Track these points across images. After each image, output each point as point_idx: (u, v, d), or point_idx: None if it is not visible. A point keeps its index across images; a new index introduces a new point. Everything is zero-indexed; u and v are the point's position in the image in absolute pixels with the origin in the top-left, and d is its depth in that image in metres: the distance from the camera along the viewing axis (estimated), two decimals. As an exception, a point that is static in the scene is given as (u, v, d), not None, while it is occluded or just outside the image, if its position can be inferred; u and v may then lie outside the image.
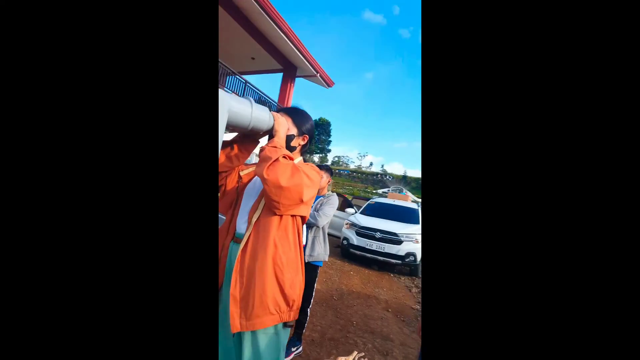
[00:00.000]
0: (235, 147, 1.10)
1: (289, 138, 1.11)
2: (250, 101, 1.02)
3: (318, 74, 7.86)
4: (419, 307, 3.70)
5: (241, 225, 1.10)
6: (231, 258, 1.09)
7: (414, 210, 6.02)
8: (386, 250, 5.06)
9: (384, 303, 3.63)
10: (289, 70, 7.76)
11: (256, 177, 1.19)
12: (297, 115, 1.18)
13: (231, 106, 0.94)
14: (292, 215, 1.08)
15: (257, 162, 1.27)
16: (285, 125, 1.13)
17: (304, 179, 1.00)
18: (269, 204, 1.00)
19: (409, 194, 8.94)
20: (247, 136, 1.17)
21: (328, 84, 8.36)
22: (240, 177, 1.19)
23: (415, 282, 4.87)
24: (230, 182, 1.21)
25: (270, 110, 1.08)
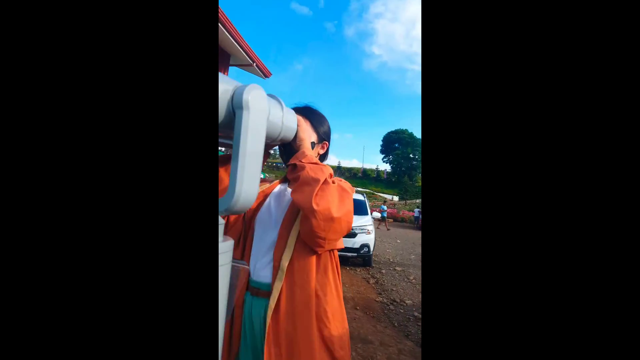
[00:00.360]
0: None
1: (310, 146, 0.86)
2: (280, 102, 0.74)
3: (254, 64, 7.33)
4: (380, 299, 3.77)
5: (261, 271, 0.82)
6: (252, 319, 0.81)
7: (362, 202, 6.13)
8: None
9: (351, 301, 3.58)
10: (222, 58, 7.06)
11: (269, 200, 0.91)
12: (314, 117, 0.93)
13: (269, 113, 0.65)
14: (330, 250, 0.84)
15: (271, 180, 0.99)
16: (309, 132, 0.87)
17: (351, 202, 0.77)
18: (309, 241, 0.75)
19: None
20: None
21: (265, 74, 7.88)
22: None
23: (370, 273, 4.98)
24: None
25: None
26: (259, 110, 0.59)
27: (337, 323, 0.80)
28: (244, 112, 0.57)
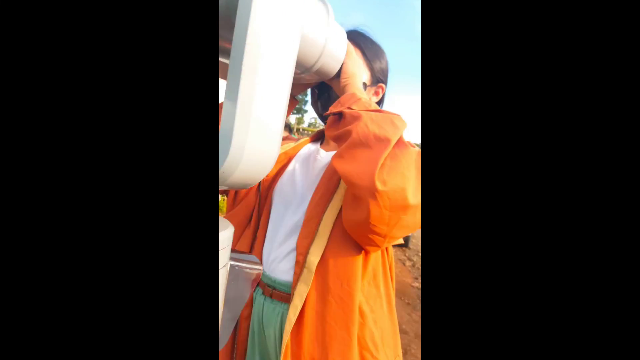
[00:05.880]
0: None
1: None
2: (326, 5, 0.44)
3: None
4: (417, 284, 3.51)
5: (278, 263, 0.57)
6: (263, 327, 0.57)
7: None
8: (378, 222, 4.77)
9: (385, 284, 3.36)
10: None
11: (293, 164, 0.64)
12: (368, 45, 0.62)
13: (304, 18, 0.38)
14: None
15: (298, 139, 0.71)
16: (360, 66, 0.58)
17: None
18: (358, 236, 0.49)
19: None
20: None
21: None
22: None
23: (407, 254, 4.69)
24: None
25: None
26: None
27: (388, 351, 0.54)
28: None
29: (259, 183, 0.63)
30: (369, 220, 0.43)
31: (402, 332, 2.37)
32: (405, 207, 0.42)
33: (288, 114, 0.63)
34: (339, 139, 0.48)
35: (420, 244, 5.59)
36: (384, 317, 0.55)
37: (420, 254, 4.80)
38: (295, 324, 0.50)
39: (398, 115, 0.48)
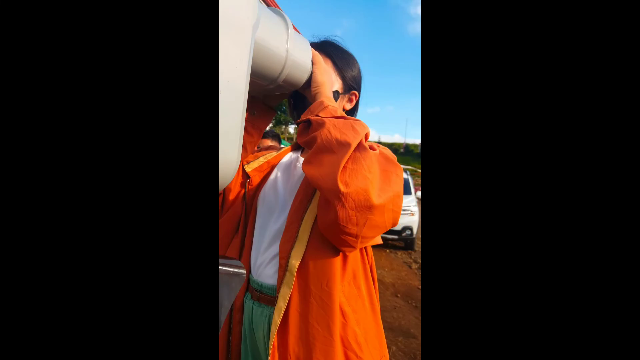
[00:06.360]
0: None
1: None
2: (285, 19, 0.46)
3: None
4: (425, 286, 3.47)
5: (264, 268, 0.59)
6: (253, 330, 0.59)
7: (405, 180, 5.69)
8: (382, 226, 4.73)
9: (391, 288, 3.33)
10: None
11: (275, 172, 0.65)
12: (339, 54, 0.63)
13: (260, 32, 0.39)
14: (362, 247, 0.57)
15: (277, 147, 0.73)
16: (330, 74, 0.59)
17: (400, 180, 0.49)
18: (332, 237, 0.50)
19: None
20: (257, 99, 0.62)
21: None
22: (246, 175, 0.64)
23: (412, 257, 4.66)
24: (231, 187, 0.66)
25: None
26: (233, 7, 0.32)
27: (374, 351, 0.54)
28: None
29: (244, 193, 0.64)
30: (337, 222, 0.44)
31: (411, 335, 2.34)
32: (370, 207, 0.44)
33: (266, 125, 0.64)
34: (308, 145, 0.50)
35: (425, 245, 5.55)
36: (366, 317, 0.55)
37: (426, 256, 4.76)
38: (280, 325, 0.51)
39: (359, 120, 0.50)
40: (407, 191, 5.37)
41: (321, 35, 0.65)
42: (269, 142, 1.79)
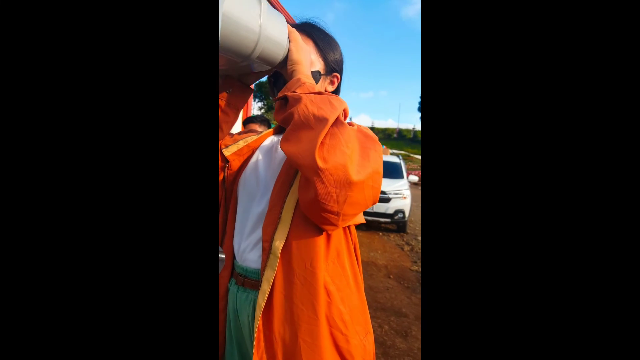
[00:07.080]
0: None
1: (312, 77, 0.57)
2: None
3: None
4: (416, 268, 3.55)
5: (248, 253, 0.59)
6: (238, 316, 0.59)
7: (397, 164, 5.73)
8: (375, 210, 4.78)
9: (384, 269, 3.40)
10: None
11: (256, 156, 0.65)
12: (320, 36, 0.62)
13: (228, 4, 0.38)
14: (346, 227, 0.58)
15: (259, 129, 0.72)
16: (308, 53, 0.57)
17: (379, 156, 0.49)
18: (314, 216, 0.50)
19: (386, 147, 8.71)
20: (233, 77, 0.61)
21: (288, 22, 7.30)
22: (225, 160, 0.63)
23: (405, 239, 4.74)
24: None
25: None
26: None
27: (359, 328, 0.56)
28: None
29: (224, 177, 0.63)
30: (317, 199, 0.45)
31: (402, 315, 2.41)
32: (349, 183, 0.44)
33: (243, 103, 0.62)
34: (285, 122, 0.49)
35: (417, 228, 5.65)
36: (351, 295, 0.56)
37: (418, 238, 4.86)
38: (265, 308, 0.52)
39: (336, 95, 0.49)
40: (399, 175, 5.41)
41: (304, 17, 0.64)
42: (257, 127, 1.74)
